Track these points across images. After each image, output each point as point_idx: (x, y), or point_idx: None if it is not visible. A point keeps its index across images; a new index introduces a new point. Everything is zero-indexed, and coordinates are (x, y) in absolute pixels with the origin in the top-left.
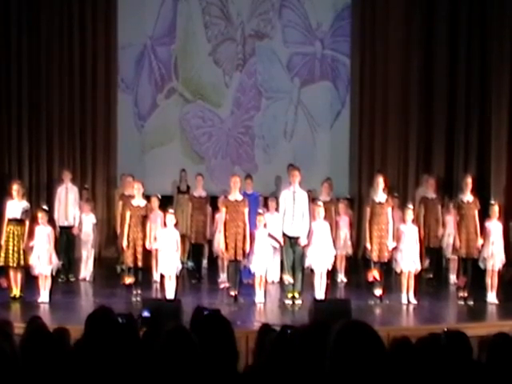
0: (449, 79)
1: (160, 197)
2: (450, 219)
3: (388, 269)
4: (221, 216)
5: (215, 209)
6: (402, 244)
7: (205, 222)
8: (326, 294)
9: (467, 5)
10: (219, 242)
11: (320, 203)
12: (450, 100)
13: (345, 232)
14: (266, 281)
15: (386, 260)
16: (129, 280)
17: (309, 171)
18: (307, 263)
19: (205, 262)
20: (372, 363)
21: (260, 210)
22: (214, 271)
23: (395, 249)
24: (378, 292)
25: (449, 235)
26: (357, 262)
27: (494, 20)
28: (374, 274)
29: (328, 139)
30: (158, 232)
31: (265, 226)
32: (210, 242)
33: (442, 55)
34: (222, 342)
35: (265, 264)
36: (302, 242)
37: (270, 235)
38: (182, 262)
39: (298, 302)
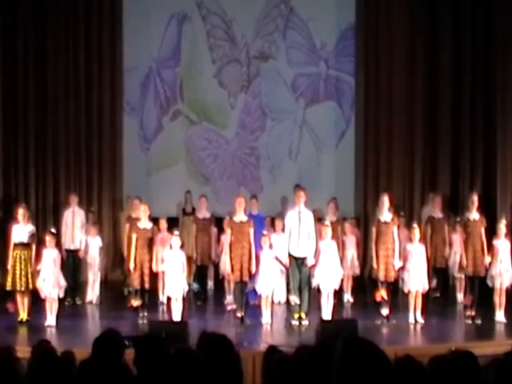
0: (453, 95)
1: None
2: (457, 238)
3: (394, 288)
4: (226, 237)
5: (221, 230)
6: (409, 263)
7: (209, 243)
8: (332, 314)
9: (470, 18)
10: (225, 264)
11: (327, 223)
12: (454, 118)
13: (351, 252)
14: (272, 301)
15: (392, 279)
16: (135, 302)
17: (314, 191)
18: (314, 283)
19: (210, 284)
20: (377, 382)
21: (265, 232)
22: (221, 293)
23: (402, 268)
24: (385, 311)
25: (455, 253)
26: (363, 282)
27: (498, 33)
28: (382, 293)
29: (333, 159)
30: (165, 254)
31: (270, 246)
32: (216, 264)
33: (446, 69)
34: (227, 365)
35: (271, 285)
36: (309, 262)
37: (276, 259)
38: (188, 284)
39: (305, 322)
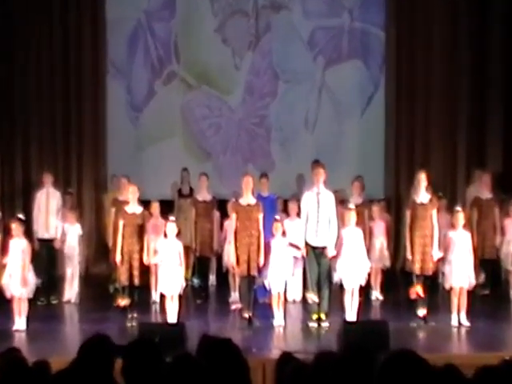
0: (506, 47)
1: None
2: (510, 223)
3: (433, 284)
4: (231, 223)
5: (224, 215)
6: (452, 254)
7: (211, 230)
8: (358, 314)
9: None
10: (229, 255)
11: (351, 206)
12: (507, 80)
13: (380, 240)
14: (285, 300)
15: (430, 273)
16: (123, 302)
17: (336, 168)
18: (336, 278)
19: (212, 279)
20: None
21: (277, 216)
22: (224, 289)
23: (442, 260)
24: (421, 312)
25: (508, 242)
26: (395, 276)
27: None
28: (417, 290)
29: (358, 129)
30: (158, 244)
31: (283, 234)
32: (219, 255)
33: (498, 17)
34: (232, 374)
35: (284, 280)
36: (330, 252)
37: (290, 244)
38: (186, 279)
39: (325, 324)
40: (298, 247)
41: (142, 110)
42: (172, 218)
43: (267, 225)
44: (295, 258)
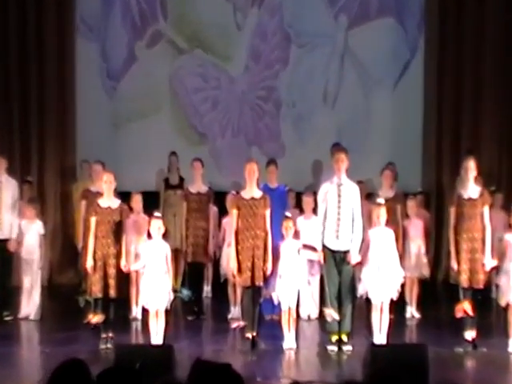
0: None
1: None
2: None
3: (485, 299)
4: (230, 221)
5: (223, 211)
6: (509, 262)
7: (206, 230)
8: (388, 336)
9: None
10: (228, 261)
11: (380, 201)
12: None
13: (417, 244)
14: (297, 316)
15: (481, 286)
16: (96, 318)
17: (362, 153)
18: (361, 290)
19: (207, 290)
20: None
21: (287, 213)
22: (222, 303)
23: (496, 269)
24: (469, 334)
25: None
26: (436, 289)
27: None
28: (465, 307)
29: (390, 105)
30: (140, 246)
31: (296, 235)
32: (216, 260)
33: None
34: None
35: (296, 291)
36: (353, 258)
37: (304, 246)
38: (175, 291)
39: (347, 348)
40: (314, 249)
41: (120, 79)
42: (157, 213)
43: (276, 223)
44: (310, 262)
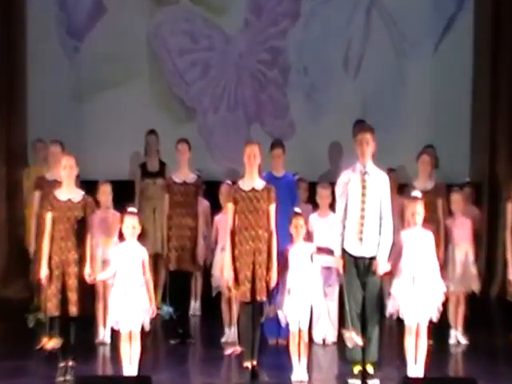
0: None
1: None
2: None
3: None
4: (225, 219)
5: (216, 207)
6: None
7: (194, 229)
8: (426, 367)
9: None
10: (222, 269)
11: (416, 194)
12: None
13: (464, 249)
14: (310, 341)
15: None
16: (51, 342)
17: (392, 134)
18: (391, 308)
19: (195, 307)
20: None
21: (297, 209)
22: (214, 323)
23: None
24: None
25: None
26: (488, 308)
27: None
28: None
29: (429, 73)
30: (109, 250)
31: (308, 237)
32: (206, 270)
33: None
34: None
35: (308, 308)
36: (381, 267)
37: (319, 250)
38: (157, 308)
39: (374, 382)
40: (331, 253)
41: (84, 36)
42: (132, 209)
43: (282, 222)
44: (327, 271)
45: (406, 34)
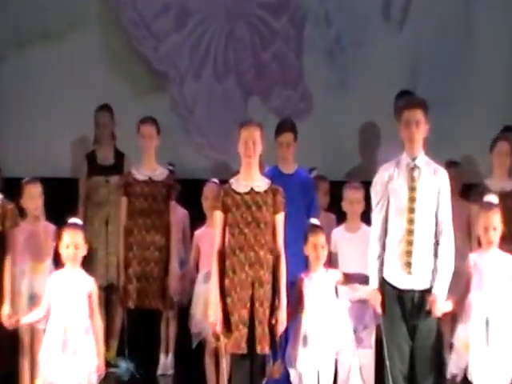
0: None
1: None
2: None
3: None
4: (210, 235)
5: (197, 216)
6: None
7: (164, 249)
8: None
9: None
10: (207, 307)
11: (491, 199)
12: None
13: None
14: None
15: None
16: None
17: (453, 113)
18: (453, 368)
19: (166, 363)
20: None
21: (315, 221)
22: None
23: None
24: None
25: None
26: None
27: None
28: None
29: (504, 27)
30: (41, 282)
31: (331, 260)
32: (182, 307)
33: None
34: None
35: (331, 364)
36: (438, 305)
37: (346, 278)
38: (107, 363)
39: None
40: (364, 282)
41: None
42: (74, 219)
43: (294, 239)
44: (359, 307)
45: None
